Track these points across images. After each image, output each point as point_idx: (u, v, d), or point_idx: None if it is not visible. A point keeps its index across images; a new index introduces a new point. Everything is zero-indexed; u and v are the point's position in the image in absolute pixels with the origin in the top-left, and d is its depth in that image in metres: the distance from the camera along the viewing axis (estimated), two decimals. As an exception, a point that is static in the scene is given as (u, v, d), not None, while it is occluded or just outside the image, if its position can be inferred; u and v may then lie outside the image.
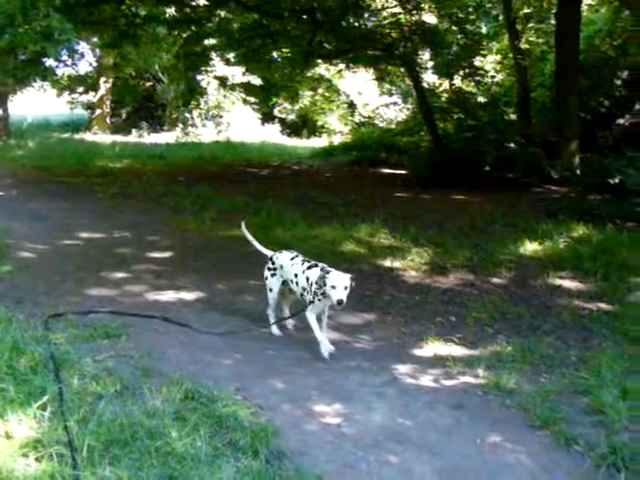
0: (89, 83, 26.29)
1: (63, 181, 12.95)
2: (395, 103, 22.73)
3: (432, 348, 4.93)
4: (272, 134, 25.40)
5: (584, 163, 11.69)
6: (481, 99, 15.84)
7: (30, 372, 3.74)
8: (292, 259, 4.94)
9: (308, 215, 9.50)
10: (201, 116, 24.78)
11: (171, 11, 15.38)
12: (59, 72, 24.30)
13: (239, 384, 4.09)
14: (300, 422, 3.69)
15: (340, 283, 4.34)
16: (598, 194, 9.61)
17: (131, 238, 8.26)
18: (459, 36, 14.85)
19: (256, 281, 6.34)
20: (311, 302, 4.57)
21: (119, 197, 11.15)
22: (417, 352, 4.91)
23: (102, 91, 24.92)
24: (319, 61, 17.49)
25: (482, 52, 15.90)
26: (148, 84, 26.27)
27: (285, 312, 5.18)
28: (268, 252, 5.26)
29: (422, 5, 14.75)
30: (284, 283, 5.04)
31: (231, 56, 17.57)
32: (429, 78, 16.41)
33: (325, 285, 4.41)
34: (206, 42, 16.69)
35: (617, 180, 9.38)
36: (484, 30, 16.27)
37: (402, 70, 16.99)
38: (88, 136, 22.87)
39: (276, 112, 27.05)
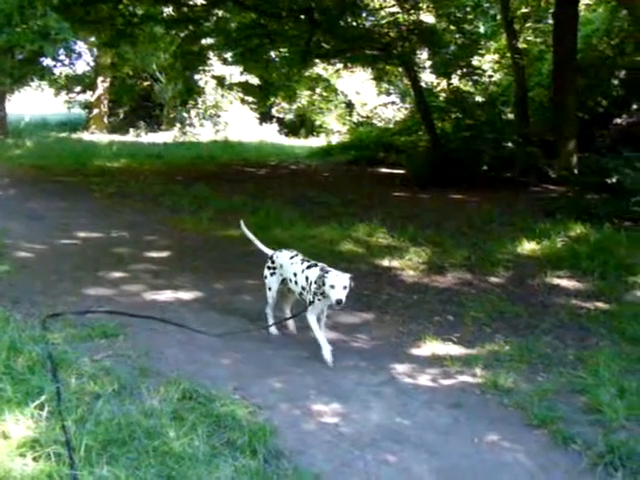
0: (86, 82, 26.28)
1: (60, 180, 12.93)
2: (393, 103, 22.76)
3: (430, 347, 4.93)
4: (270, 134, 25.40)
5: (582, 162, 11.70)
6: (479, 98, 15.86)
7: (27, 372, 3.73)
8: (292, 258, 4.93)
9: (306, 215, 9.50)
10: (199, 116, 24.77)
11: (168, 10, 15.36)
12: (56, 71, 24.32)
13: (237, 383, 4.09)
14: (298, 421, 3.69)
15: (339, 283, 4.32)
16: (596, 193, 9.62)
17: (129, 238, 8.26)
18: (457, 35, 14.85)
19: (254, 280, 6.35)
20: (311, 302, 4.56)
21: (117, 197, 11.13)
22: (415, 351, 4.91)
23: (99, 90, 24.90)
24: (317, 61, 17.51)
25: (480, 51, 15.91)
26: (146, 83, 26.25)
27: (286, 313, 5.17)
28: (268, 251, 5.25)
29: (420, 5, 14.76)
30: (283, 282, 5.03)
31: (229, 55, 17.57)
32: (427, 77, 16.42)
33: (324, 285, 4.40)
34: (204, 41, 16.68)
35: (614, 180, 9.38)
36: (482, 30, 16.28)
37: (400, 70, 17.01)
38: (86, 135, 22.86)
39: (274, 112, 27.06)
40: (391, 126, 20.63)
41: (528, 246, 7.80)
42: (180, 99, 23.23)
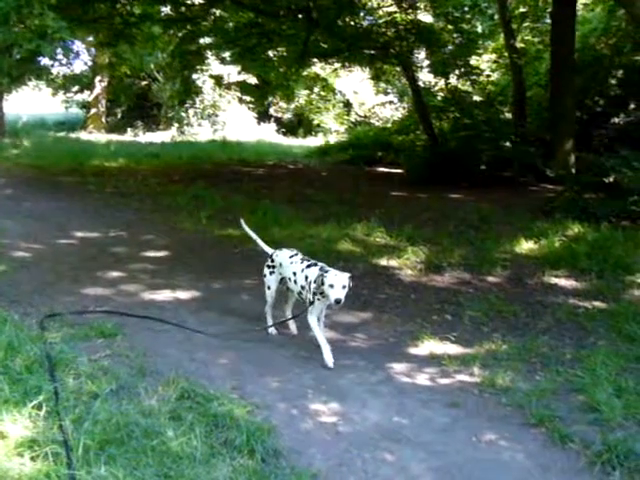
0: (84, 82, 26.21)
1: (58, 180, 12.91)
2: (391, 102, 22.73)
3: (428, 347, 4.94)
4: (268, 133, 25.38)
5: (579, 162, 11.71)
6: (477, 98, 15.84)
7: (25, 371, 3.73)
8: (291, 257, 4.93)
9: (304, 214, 9.50)
10: (197, 115, 24.74)
11: (166, 10, 15.34)
12: (54, 71, 24.21)
13: (235, 383, 4.10)
14: (296, 421, 3.69)
15: (338, 282, 4.32)
16: (593, 193, 9.62)
17: (126, 237, 8.25)
18: (455, 35, 14.84)
19: (252, 280, 6.36)
20: (311, 303, 4.54)
21: (114, 196, 11.12)
22: (413, 351, 4.91)
23: (97, 90, 24.86)
24: (315, 60, 17.45)
25: (478, 51, 15.89)
26: (143, 83, 26.19)
27: (287, 313, 5.15)
28: (269, 250, 5.25)
29: (418, 4, 14.76)
30: (282, 281, 5.03)
31: (226, 55, 17.53)
32: (425, 77, 16.40)
33: (323, 284, 4.39)
34: (201, 41, 16.65)
35: (612, 179, 9.39)
36: (480, 29, 16.27)
37: (398, 69, 17.00)
38: (83, 135, 22.81)
39: (272, 111, 27.04)
40: (389, 125, 20.57)
41: (526, 245, 7.80)
42: (178, 98, 23.15)
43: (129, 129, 24.65)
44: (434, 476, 3.24)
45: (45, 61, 20.23)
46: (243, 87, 22.70)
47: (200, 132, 24.05)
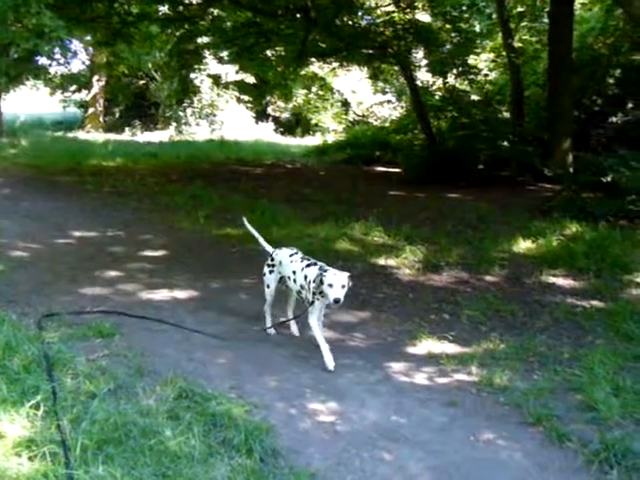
0: (82, 81, 26.19)
1: (56, 180, 12.90)
2: (389, 101, 22.70)
3: (426, 346, 4.94)
4: (266, 132, 25.36)
5: (577, 161, 11.71)
6: (475, 97, 15.82)
7: (23, 371, 3.73)
8: (291, 256, 4.92)
9: (302, 213, 9.50)
10: (195, 114, 24.72)
11: (164, 9, 15.32)
12: (52, 70, 24.22)
13: (233, 382, 4.10)
14: (294, 420, 3.70)
15: (337, 282, 4.30)
16: (591, 192, 9.62)
17: (124, 237, 8.25)
18: (453, 34, 14.84)
19: (250, 279, 6.37)
20: (311, 302, 4.52)
21: (112, 196, 11.11)
22: (411, 350, 4.92)
23: (95, 89, 24.84)
24: (313, 59, 17.45)
25: (475, 50, 15.88)
26: (141, 82, 26.16)
27: (288, 314, 5.13)
28: (269, 248, 5.23)
29: (416, 3, 14.76)
30: (281, 279, 5.02)
31: (224, 54, 17.52)
32: (423, 76, 16.41)
33: (322, 283, 4.37)
34: (199, 40, 16.63)
35: (610, 178, 9.39)
36: (477, 28, 16.25)
37: (396, 68, 17.00)
38: (81, 134, 22.78)
39: (270, 110, 27.03)
40: (387, 125, 20.58)
41: (524, 245, 7.81)
42: (176, 98, 23.13)
43: (127, 128, 24.62)
44: (432, 475, 3.25)
45: (43, 60, 20.29)
46: (241, 86, 22.68)
47: (198, 131, 24.04)
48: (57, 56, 20.64)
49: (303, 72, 19.71)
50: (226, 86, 22.83)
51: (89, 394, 3.60)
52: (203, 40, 16.77)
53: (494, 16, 15.29)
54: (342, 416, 3.77)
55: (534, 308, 5.87)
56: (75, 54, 22.98)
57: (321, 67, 20.87)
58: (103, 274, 6.44)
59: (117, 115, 27.28)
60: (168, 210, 9.94)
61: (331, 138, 22.25)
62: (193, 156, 17.26)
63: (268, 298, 5.11)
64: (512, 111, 14.82)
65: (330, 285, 4.30)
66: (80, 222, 8.94)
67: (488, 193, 11.40)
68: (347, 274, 4.41)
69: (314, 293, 4.48)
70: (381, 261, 7.30)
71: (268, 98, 25.07)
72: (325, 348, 4.45)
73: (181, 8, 14.81)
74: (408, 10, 14.73)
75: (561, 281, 6.65)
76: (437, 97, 15.57)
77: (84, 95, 26.32)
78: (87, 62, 25.45)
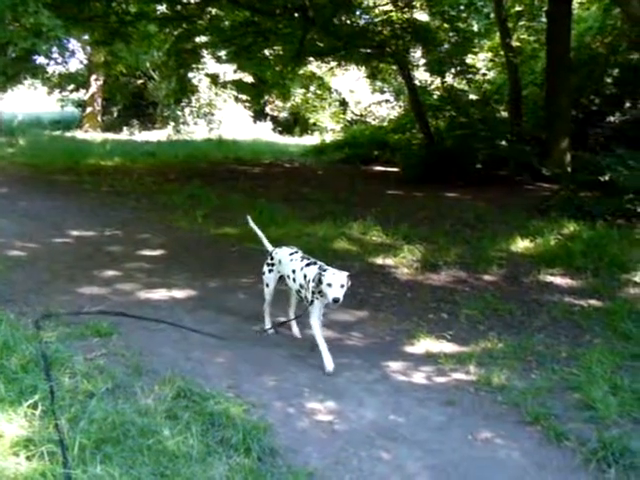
0: (80, 81, 26.16)
1: (54, 179, 12.88)
2: (387, 101, 22.71)
3: (424, 345, 4.94)
4: (264, 132, 25.36)
5: (575, 161, 11.72)
6: (473, 97, 15.84)
7: (21, 371, 3.72)
8: (291, 254, 4.90)
9: (300, 213, 9.50)
10: (193, 114, 24.71)
11: (162, 8, 15.30)
12: (50, 70, 24.17)
13: (231, 382, 4.10)
14: (292, 419, 3.70)
15: (336, 281, 4.27)
16: (589, 191, 9.63)
17: (122, 236, 8.24)
18: (451, 34, 14.85)
19: (248, 279, 6.37)
20: (311, 302, 4.49)
21: (110, 195, 11.10)
22: (409, 349, 4.92)
23: (93, 89, 24.80)
24: (311, 59, 17.44)
25: (473, 50, 15.90)
26: (139, 82, 26.13)
27: (290, 315, 5.11)
28: (270, 247, 5.21)
29: (413, 3, 14.75)
30: (281, 279, 5.01)
31: (222, 54, 17.51)
32: (421, 76, 16.42)
33: (321, 283, 4.34)
34: (197, 39, 16.61)
35: (608, 177, 9.40)
36: (475, 28, 16.25)
37: (394, 68, 17.00)
38: (79, 134, 22.75)
39: (268, 110, 27.02)
40: (385, 124, 20.59)
41: (522, 244, 7.82)
42: (174, 97, 23.11)
43: (125, 128, 24.59)
44: (430, 474, 3.25)
45: (40, 60, 20.22)
46: (239, 86, 22.66)
47: (196, 131, 24.03)
48: (55, 55, 20.58)
49: (301, 71, 19.71)
50: (224, 85, 22.81)
51: (87, 393, 3.59)
52: (201, 39, 16.76)
53: (492, 15, 15.29)
54: (340, 415, 3.77)
55: (532, 307, 5.88)
56: (73, 53, 22.94)
57: (319, 66, 20.86)
58: (101, 273, 6.44)
59: (115, 114, 27.24)
60: (166, 209, 9.93)
61: (329, 137, 22.26)
62: (191, 155, 17.26)
63: (267, 297, 5.10)
64: (510, 110, 14.83)
65: (329, 285, 4.28)
66: (78, 221, 8.93)
67: (486, 192, 11.41)
68: (346, 273, 4.38)
69: (313, 292, 4.46)
70: (379, 260, 7.30)
71: (266, 97, 25.06)
72: (325, 350, 4.41)
73: (179, 7, 14.81)
74: (406, 9, 14.74)
75: (559, 280, 6.66)
76: (435, 96, 15.58)
77: (82, 94, 26.29)
78: (85, 61, 25.40)
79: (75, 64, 25.58)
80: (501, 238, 8.03)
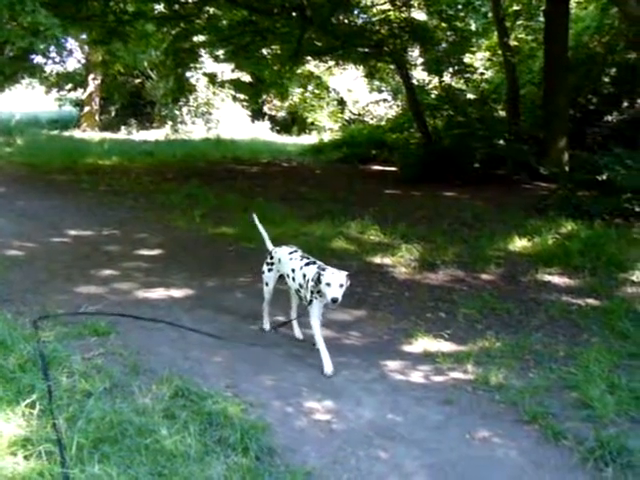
0: (78, 80, 26.14)
1: (52, 178, 12.88)
2: (385, 100, 22.71)
3: (421, 344, 4.94)
4: (262, 131, 25.36)
5: (573, 160, 11.73)
6: (470, 96, 15.85)
7: (18, 370, 3.72)
8: (291, 254, 4.88)
9: (298, 212, 9.50)
10: (190, 113, 24.70)
11: (160, 8, 15.29)
12: (47, 69, 24.18)
13: (229, 381, 4.09)
14: (290, 419, 3.70)
15: (335, 281, 4.24)
16: (587, 191, 9.64)
17: (120, 235, 8.24)
18: (448, 33, 14.85)
19: (246, 278, 6.37)
20: (310, 302, 4.47)
21: (108, 194, 11.09)
22: (407, 348, 4.92)
23: (91, 88, 24.79)
24: (309, 58, 17.43)
25: (471, 49, 15.92)
26: (137, 81, 26.12)
27: (292, 316, 5.09)
28: (270, 246, 5.20)
29: (411, 2, 14.75)
30: (281, 277, 5.00)
31: (220, 53, 17.51)
32: (419, 75, 16.42)
33: (320, 282, 4.31)
34: (195, 39, 16.61)
35: (605, 177, 9.41)
36: (473, 27, 16.27)
37: (392, 67, 16.99)
38: (77, 133, 22.75)
39: (266, 109, 27.02)
40: (383, 123, 20.58)
41: (519, 243, 7.82)
42: (172, 96, 23.11)
43: (123, 127, 24.57)
44: (428, 473, 3.25)
45: (38, 59, 20.28)
46: (237, 85, 22.67)
47: (194, 130, 24.02)
48: (52, 54, 20.63)
49: (299, 71, 19.70)
50: (222, 85, 22.82)
51: (85, 393, 3.59)
52: (199, 39, 16.76)
53: (490, 15, 15.30)
54: (338, 414, 3.77)
55: (530, 306, 5.89)
56: (71, 52, 22.97)
57: (317, 66, 20.85)
58: (99, 273, 6.43)
59: (113, 114, 27.23)
60: (164, 209, 9.93)
61: (327, 137, 22.24)
62: (189, 155, 17.26)
63: (266, 296, 5.08)
64: (508, 110, 14.84)
65: (328, 284, 4.24)
66: (76, 221, 8.93)
67: (484, 192, 11.42)
68: (345, 273, 4.35)
69: (312, 292, 4.44)
70: (377, 260, 7.30)
71: (264, 97, 25.07)
72: (324, 352, 4.38)
73: (177, 7, 14.79)
74: (404, 8, 14.73)
75: (557, 279, 6.66)
76: (433, 96, 15.59)
77: (80, 94, 26.26)
78: (83, 60, 25.41)
79: (73, 63, 25.65)
80: (499, 237, 8.04)
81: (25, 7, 7.75)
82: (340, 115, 25.22)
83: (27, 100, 29.42)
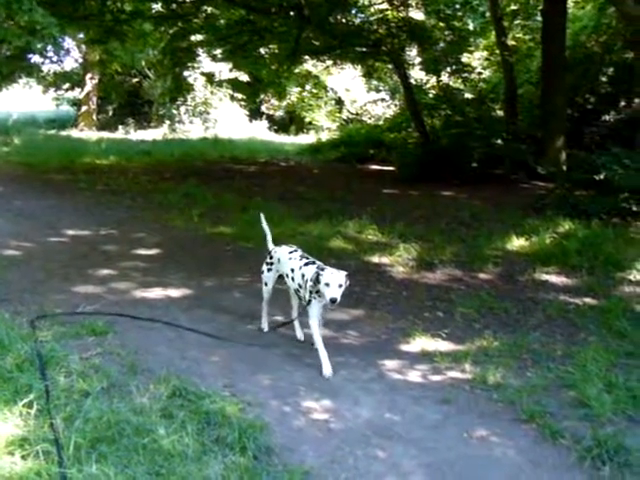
0: (75, 79, 26.12)
1: (49, 178, 12.86)
2: (383, 99, 22.73)
3: (419, 343, 4.94)
4: (260, 130, 25.35)
5: (570, 159, 11.76)
6: (468, 95, 15.86)
7: (16, 370, 3.72)
8: (290, 253, 4.85)
9: (296, 211, 9.49)
10: (188, 112, 24.69)
11: (157, 7, 15.28)
12: (45, 68, 24.15)
13: (227, 381, 4.09)
14: (288, 418, 3.70)
15: (334, 281, 4.20)
16: (584, 190, 9.66)
17: (117, 235, 8.23)
18: (446, 32, 14.87)
19: (244, 278, 6.37)
20: (309, 302, 4.45)
21: (105, 194, 11.09)
22: (404, 347, 4.92)
23: (88, 87, 24.77)
24: (306, 57, 17.44)
25: (469, 48, 15.93)
26: (134, 80, 26.11)
27: (294, 316, 5.08)
28: (270, 246, 5.17)
29: (409, 1, 14.76)
30: (280, 277, 4.99)
31: (218, 52, 17.50)
32: (416, 74, 16.43)
33: (319, 282, 4.28)
34: (193, 38, 16.59)
35: (603, 176, 9.42)
36: (471, 27, 16.29)
37: (389, 67, 17.01)
38: (74, 133, 22.73)
39: (264, 108, 27.01)
40: (381, 123, 20.60)
41: (517, 242, 7.83)
42: (169, 96, 23.08)
43: (120, 126, 24.56)
44: (425, 472, 3.25)
45: (35, 58, 20.25)
46: (235, 84, 22.66)
47: (192, 129, 24.02)
48: (50, 54, 20.61)
49: (297, 70, 19.71)
50: (220, 84, 22.80)
51: (82, 392, 3.59)
52: (196, 38, 16.75)
53: (487, 14, 15.32)
54: (336, 414, 3.77)
55: (527, 305, 5.89)
56: (68, 52, 22.96)
57: (315, 65, 20.86)
58: (96, 272, 6.43)
59: (110, 113, 27.21)
60: (162, 208, 9.92)
61: (325, 136, 22.24)
62: (187, 154, 17.25)
63: (265, 296, 5.07)
64: (506, 109, 14.86)
65: (327, 284, 4.21)
66: (73, 220, 8.92)
67: (482, 191, 11.43)
68: (344, 273, 4.31)
69: (310, 292, 4.42)
70: (375, 259, 7.30)
71: (262, 96, 25.05)
72: (323, 353, 4.35)
73: (174, 6, 14.78)
74: (401, 8, 14.75)
75: (554, 278, 6.67)
76: (431, 95, 15.59)
77: (77, 93, 26.25)
78: (80, 60, 25.38)
79: (70, 63, 25.62)
80: (497, 237, 8.04)
81: (22, 6, 7.74)
82: (338, 114, 25.23)
83: (24, 99, 29.37)
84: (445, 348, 4.85)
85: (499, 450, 3.47)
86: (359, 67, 18.41)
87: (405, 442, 3.50)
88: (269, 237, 5.24)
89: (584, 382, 4.09)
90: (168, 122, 24.31)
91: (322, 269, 4.37)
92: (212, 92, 24.39)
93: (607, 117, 13.91)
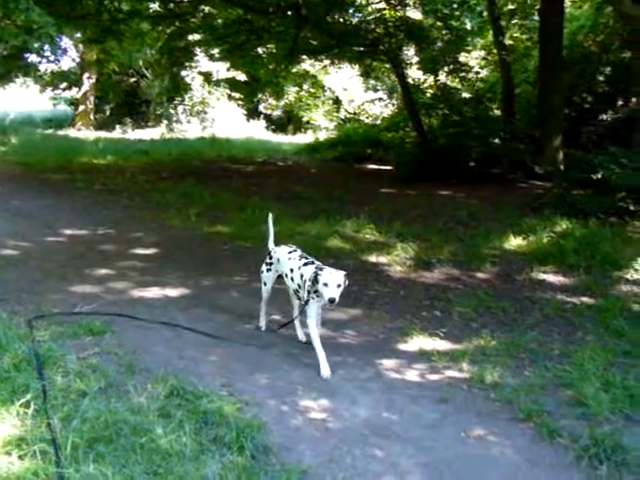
0: (72, 79, 26.09)
1: (46, 177, 12.84)
2: (380, 99, 22.73)
3: (417, 343, 4.95)
4: (257, 130, 25.34)
5: (568, 158, 11.77)
6: (466, 95, 15.88)
7: (13, 370, 3.71)
8: (290, 253, 4.84)
9: (293, 211, 9.48)
10: (186, 112, 24.67)
11: (155, 6, 15.26)
12: (42, 68, 24.11)
13: (224, 380, 4.09)
14: (286, 417, 3.70)
15: (333, 281, 4.18)
16: (582, 189, 9.67)
17: (115, 235, 8.22)
18: (444, 32, 14.89)
19: (241, 277, 6.37)
20: (307, 302, 4.44)
21: (103, 193, 11.07)
22: (402, 347, 4.92)
23: (85, 87, 24.73)
24: (304, 57, 17.44)
25: (466, 48, 15.95)
26: (132, 80, 26.08)
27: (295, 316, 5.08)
28: (271, 245, 5.16)
29: (407, 1, 14.77)
30: (279, 277, 4.98)
31: (215, 52, 17.49)
32: (414, 74, 16.45)
33: (317, 282, 4.27)
34: (190, 37, 16.60)
35: (600, 175, 9.43)
36: (468, 26, 16.29)
37: (387, 66, 17.03)
38: (72, 132, 22.70)
39: (261, 108, 27.01)
40: (378, 122, 20.61)
41: (515, 242, 7.84)
42: (167, 95, 23.09)
43: (118, 126, 24.53)
44: (423, 472, 3.25)
45: (32, 57, 20.19)
46: (232, 84, 22.66)
47: (189, 129, 24.01)
48: (47, 53, 20.52)
49: (294, 70, 19.73)
50: (217, 83, 22.82)
51: (80, 392, 3.59)
52: (194, 37, 16.75)
53: (485, 14, 15.33)
54: (333, 413, 3.77)
55: (525, 305, 5.90)
56: (65, 51, 22.90)
57: (312, 65, 20.87)
58: (94, 272, 6.42)
59: (108, 113, 27.18)
60: (159, 208, 9.91)
61: (322, 136, 22.26)
62: (184, 154, 17.24)
63: (264, 295, 5.06)
64: (503, 109, 14.86)
65: (325, 284, 4.19)
66: (70, 220, 8.91)
67: (479, 190, 11.44)
68: (343, 273, 4.29)
69: (309, 292, 4.41)
70: (372, 258, 7.30)
71: (259, 95, 25.06)
72: (321, 354, 4.34)
73: (172, 5, 14.78)
74: (399, 7, 14.76)
75: (551, 278, 6.68)
76: (428, 95, 15.61)
77: (74, 92, 26.22)
78: (77, 59, 25.34)
79: (67, 62, 25.59)
80: (494, 236, 8.05)
81: (19, 5, 7.73)
82: (335, 114, 25.23)
83: (21, 99, 29.34)
84: (443, 347, 4.85)
85: (496, 449, 3.47)
86: (357, 66, 18.44)
87: (403, 441, 3.51)
88: (272, 237, 5.23)
89: (581, 381, 4.10)
90: (165, 122, 24.30)
91: (321, 269, 4.36)
92: (210, 92, 24.38)
93: (604, 116, 13.92)
